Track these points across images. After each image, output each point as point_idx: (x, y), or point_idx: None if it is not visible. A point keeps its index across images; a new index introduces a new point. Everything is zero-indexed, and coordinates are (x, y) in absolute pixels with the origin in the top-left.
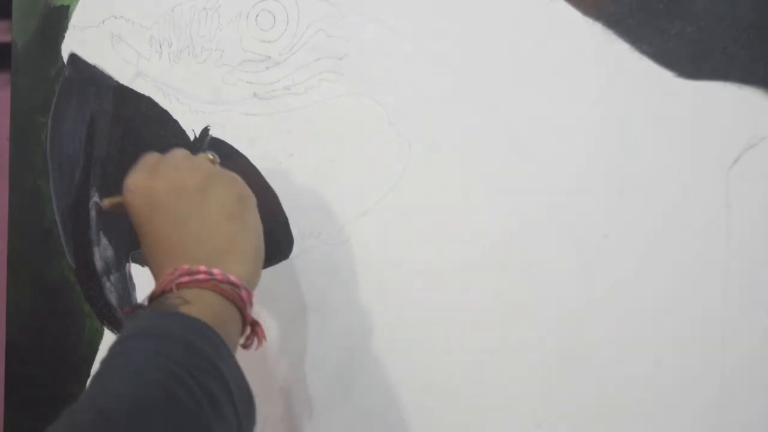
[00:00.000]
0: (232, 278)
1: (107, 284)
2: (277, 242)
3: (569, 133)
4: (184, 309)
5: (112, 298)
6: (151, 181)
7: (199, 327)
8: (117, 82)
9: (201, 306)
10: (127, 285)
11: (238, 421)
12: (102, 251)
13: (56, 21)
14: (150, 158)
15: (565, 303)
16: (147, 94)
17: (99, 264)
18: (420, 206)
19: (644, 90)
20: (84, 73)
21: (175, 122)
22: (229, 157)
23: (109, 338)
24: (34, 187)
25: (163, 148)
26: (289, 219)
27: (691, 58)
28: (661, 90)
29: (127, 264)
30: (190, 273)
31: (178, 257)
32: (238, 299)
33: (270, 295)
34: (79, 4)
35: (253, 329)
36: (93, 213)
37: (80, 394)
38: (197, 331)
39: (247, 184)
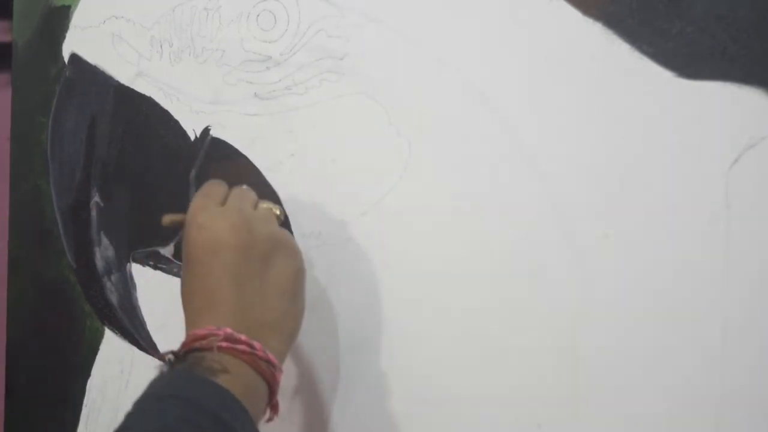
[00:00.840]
0: (271, 357)
1: (108, 284)
2: None
3: (569, 132)
4: (221, 378)
5: (113, 298)
6: (219, 226)
7: (231, 401)
8: (118, 82)
9: (237, 378)
10: (127, 285)
11: None
12: (103, 251)
13: (57, 21)
14: (216, 191)
15: (565, 303)
16: (148, 94)
17: (100, 264)
18: (420, 206)
19: (644, 90)
20: (85, 73)
21: (176, 122)
22: (229, 157)
23: (109, 338)
24: (35, 187)
25: (164, 148)
26: (289, 219)
27: (691, 58)
28: (661, 90)
29: (128, 264)
30: (231, 339)
31: (223, 316)
32: (271, 378)
33: None
34: (80, 4)
35: (273, 406)
36: (93, 213)
37: (79, 397)
38: (229, 405)
39: (246, 184)
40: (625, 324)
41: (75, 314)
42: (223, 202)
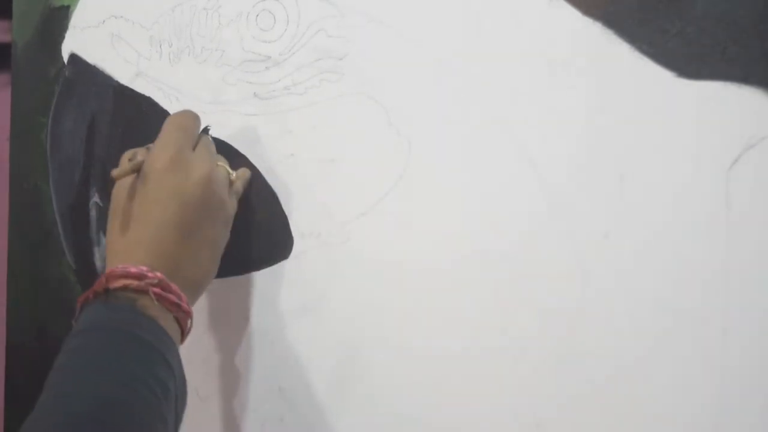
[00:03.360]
0: (191, 312)
1: None
2: (277, 242)
3: (569, 132)
4: (159, 321)
5: None
6: (190, 174)
7: (168, 340)
8: (117, 82)
9: (165, 323)
10: None
11: (176, 403)
12: (102, 251)
13: (56, 21)
14: (191, 126)
15: (565, 303)
16: (147, 94)
17: (99, 264)
18: (420, 206)
19: (644, 90)
20: (84, 73)
21: None
22: (229, 157)
23: None
24: (34, 187)
25: None
26: (288, 219)
27: (691, 58)
28: (661, 90)
29: None
30: (164, 287)
31: (160, 259)
32: (185, 331)
33: (270, 295)
34: (80, 4)
35: None
36: (93, 213)
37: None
38: (167, 344)
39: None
40: (625, 324)
41: (75, 314)
42: (194, 145)
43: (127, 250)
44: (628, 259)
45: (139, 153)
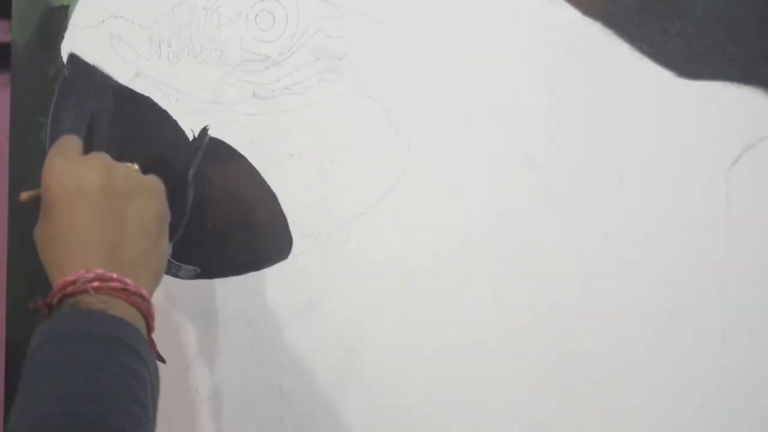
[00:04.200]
0: (144, 292)
1: None
2: (277, 242)
3: (569, 132)
4: (107, 311)
5: None
6: (79, 172)
7: (120, 323)
8: (116, 82)
9: (117, 310)
10: None
11: (152, 388)
12: None
13: (56, 21)
14: (71, 144)
15: (564, 303)
16: (146, 94)
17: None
18: (419, 206)
19: (644, 90)
20: (83, 73)
21: (175, 122)
22: (228, 157)
23: None
24: (34, 187)
25: (163, 148)
26: (288, 219)
27: (691, 58)
28: (661, 90)
29: None
30: (102, 278)
31: (90, 257)
32: (147, 313)
33: (270, 295)
34: (79, 4)
35: (151, 341)
36: None
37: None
38: (120, 327)
39: (245, 184)
40: (625, 324)
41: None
42: (80, 154)
43: (59, 266)
44: (628, 259)
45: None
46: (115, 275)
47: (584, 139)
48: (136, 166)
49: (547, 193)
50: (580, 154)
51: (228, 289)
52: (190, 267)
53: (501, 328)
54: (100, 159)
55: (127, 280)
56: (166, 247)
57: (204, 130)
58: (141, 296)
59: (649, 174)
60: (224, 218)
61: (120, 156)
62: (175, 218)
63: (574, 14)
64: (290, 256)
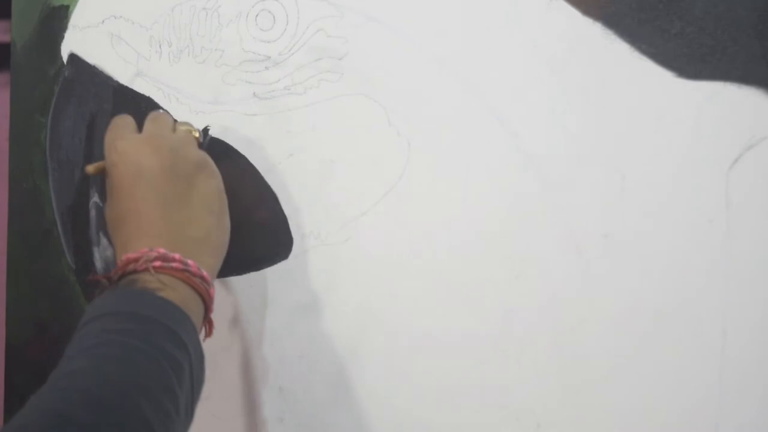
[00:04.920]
0: (205, 274)
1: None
2: (277, 242)
3: (569, 132)
4: (161, 293)
5: None
6: (142, 151)
7: (172, 309)
8: (117, 82)
9: (174, 292)
10: None
11: (192, 380)
12: (102, 251)
13: (56, 21)
14: (127, 121)
15: (565, 303)
16: (147, 94)
17: (99, 264)
18: (420, 206)
19: (644, 90)
20: (84, 73)
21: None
22: (228, 157)
23: None
24: (34, 187)
25: None
26: (288, 219)
27: (691, 58)
28: (661, 90)
29: None
30: (165, 258)
31: (154, 237)
32: (206, 294)
33: (270, 295)
34: (79, 4)
35: (209, 322)
36: (93, 213)
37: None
38: (170, 313)
39: (246, 184)
40: (625, 324)
41: (75, 314)
42: (139, 130)
43: (125, 246)
44: (628, 259)
45: (98, 166)
46: (177, 255)
47: (584, 139)
48: (197, 133)
49: (547, 193)
50: (580, 154)
51: (228, 289)
52: None
53: (501, 328)
54: (162, 137)
55: (189, 261)
56: (228, 224)
57: (204, 130)
58: (202, 278)
59: (649, 174)
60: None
61: None
62: None
63: (574, 14)
64: (290, 256)
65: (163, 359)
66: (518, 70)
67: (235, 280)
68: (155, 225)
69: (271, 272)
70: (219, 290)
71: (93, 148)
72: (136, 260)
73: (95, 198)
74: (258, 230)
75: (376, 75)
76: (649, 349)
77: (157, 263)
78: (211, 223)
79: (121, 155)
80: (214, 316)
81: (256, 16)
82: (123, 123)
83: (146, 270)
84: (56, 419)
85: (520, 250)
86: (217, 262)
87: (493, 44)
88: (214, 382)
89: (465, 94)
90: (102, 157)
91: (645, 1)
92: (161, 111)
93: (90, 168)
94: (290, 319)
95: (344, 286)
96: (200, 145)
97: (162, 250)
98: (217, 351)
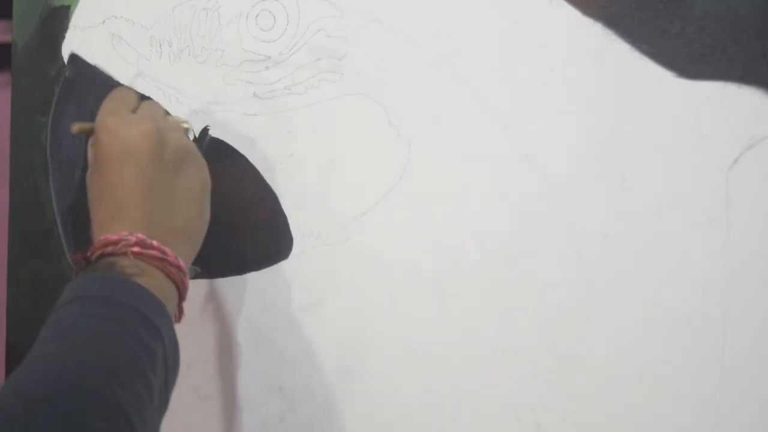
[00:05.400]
0: (181, 264)
1: None
2: (277, 242)
3: (569, 132)
4: (136, 279)
5: None
6: (132, 131)
7: (147, 296)
8: (117, 82)
9: (150, 280)
10: None
11: (165, 368)
12: None
13: (56, 21)
14: (128, 97)
15: (565, 303)
16: (147, 94)
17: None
18: (420, 206)
19: (644, 90)
20: (84, 73)
21: None
22: (228, 157)
23: None
24: (34, 187)
25: None
26: (288, 219)
27: (691, 58)
28: (661, 90)
29: None
30: (143, 245)
31: (134, 221)
32: (181, 284)
33: (270, 295)
34: (80, 4)
35: (180, 309)
36: None
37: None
38: (146, 300)
39: (246, 184)
40: (625, 324)
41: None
42: (134, 110)
43: (104, 224)
44: (628, 259)
45: (83, 126)
46: (155, 243)
47: (584, 139)
48: (186, 124)
49: (548, 193)
50: (580, 154)
51: (228, 289)
52: (191, 266)
53: (501, 328)
54: (154, 121)
55: (167, 250)
56: (208, 216)
57: (204, 130)
58: (178, 267)
59: (649, 174)
60: (225, 218)
61: None
62: None
63: (574, 14)
64: (290, 256)
65: (138, 346)
66: (518, 70)
67: (236, 280)
68: (136, 209)
69: (271, 272)
70: (220, 290)
71: None
72: (116, 243)
73: None
74: (258, 230)
75: (376, 75)
76: (649, 349)
77: (136, 248)
78: (192, 214)
79: (113, 133)
80: (215, 315)
81: (257, 16)
82: (121, 97)
83: (124, 254)
84: (32, 404)
85: (520, 250)
86: (194, 253)
87: (494, 44)
88: (215, 382)
89: (465, 94)
90: None
91: (645, 1)
92: (154, 100)
93: (75, 127)
94: (290, 319)
95: (344, 286)
96: (199, 145)
97: (141, 236)
98: (217, 351)
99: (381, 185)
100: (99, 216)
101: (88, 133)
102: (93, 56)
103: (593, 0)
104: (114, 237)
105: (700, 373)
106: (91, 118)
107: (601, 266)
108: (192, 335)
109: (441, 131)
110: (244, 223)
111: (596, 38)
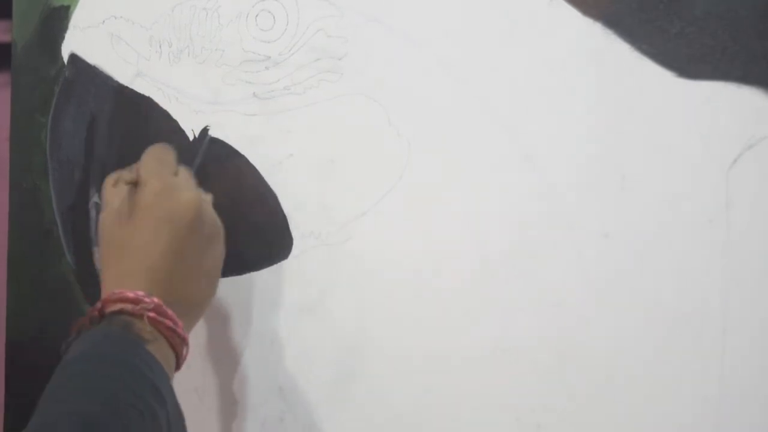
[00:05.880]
0: (186, 337)
1: None
2: (277, 242)
3: (569, 132)
4: (150, 346)
5: None
6: (175, 200)
7: (160, 371)
8: (117, 82)
9: (159, 351)
10: None
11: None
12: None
13: (56, 21)
14: (169, 159)
15: (565, 303)
16: (147, 94)
17: (99, 264)
18: (420, 206)
19: (644, 90)
20: (84, 73)
21: (175, 122)
22: (228, 158)
23: None
24: (34, 187)
25: None
26: (288, 219)
27: (691, 58)
28: (661, 90)
29: None
30: (159, 312)
31: (155, 283)
32: (181, 357)
33: (270, 295)
34: (79, 4)
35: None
36: (93, 213)
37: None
38: (159, 374)
39: (246, 184)
40: (625, 324)
41: (75, 314)
42: (175, 173)
43: (122, 277)
44: (628, 259)
45: (124, 175)
46: (170, 312)
47: (584, 139)
48: (210, 197)
49: (547, 193)
50: (580, 155)
51: (228, 289)
52: None
53: (501, 328)
54: (197, 192)
55: (179, 322)
56: (216, 283)
57: (204, 130)
58: (183, 340)
59: (649, 174)
60: (224, 218)
61: (121, 157)
62: None
63: (574, 14)
64: (290, 256)
65: (146, 413)
66: (518, 70)
67: (235, 280)
68: (160, 272)
69: (271, 272)
70: (220, 290)
71: (93, 148)
72: (134, 302)
73: (95, 198)
74: (258, 230)
75: (376, 75)
76: (649, 349)
77: (152, 314)
78: (208, 290)
79: (158, 194)
80: (215, 315)
81: (256, 16)
82: (164, 159)
83: (141, 317)
84: None
85: (519, 250)
86: (193, 326)
87: (494, 44)
88: (215, 382)
89: (465, 93)
90: (101, 158)
91: (645, 1)
92: (186, 168)
93: (113, 177)
94: (290, 319)
95: (344, 286)
96: (198, 146)
97: (158, 301)
98: (217, 351)
99: (381, 185)
100: (117, 266)
101: (128, 183)
102: (93, 56)
103: (593, 0)
104: (131, 295)
105: (700, 373)
106: (91, 118)
107: (601, 266)
108: (192, 335)
109: (441, 131)
110: (244, 223)
111: (596, 38)
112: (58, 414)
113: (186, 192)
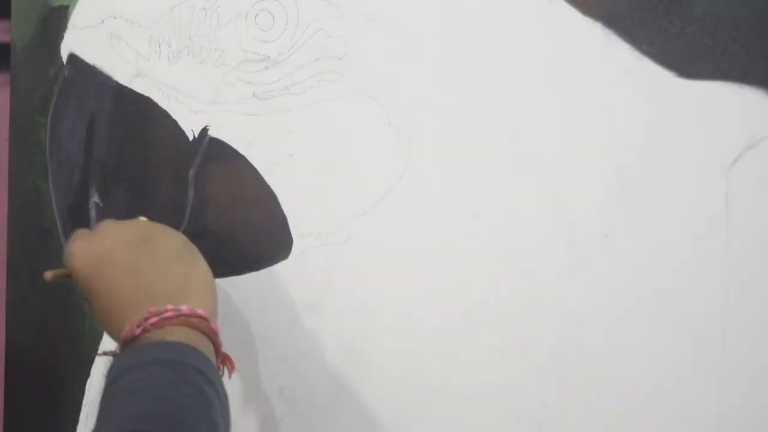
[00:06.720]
0: (200, 312)
1: None
2: (277, 242)
3: (569, 132)
4: (171, 338)
5: None
6: (93, 242)
7: (181, 347)
8: (116, 82)
9: (178, 337)
10: None
11: (223, 416)
12: None
13: (55, 21)
14: (81, 230)
15: (565, 303)
16: (146, 94)
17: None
18: (420, 206)
19: (644, 90)
20: (83, 73)
21: (175, 122)
22: (228, 157)
23: (108, 338)
24: (34, 187)
25: (162, 148)
26: (288, 219)
27: (691, 58)
28: (661, 90)
29: None
30: (157, 313)
31: (139, 304)
32: (208, 330)
33: (270, 295)
34: (79, 4)
35: (224, 361)
36: (93, 213)
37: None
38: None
39: (246, 184)
40: (626, 324)
41: (75, 314)
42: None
43: (117, 326)
44: (628, 259)
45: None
46: (168, 306)
47: (584, 139)
48: (143, 218)
49: (547, 193)
50: (579, 154)
51: (228, 289)
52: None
53: (501, 329)
54: (108, 225)
55: (182, 307)
56: (205, 267)
57: (204, 130)
58: (197, 316)
59: (649, 174)
60: (224, 218)
61: (120, 157)
62: (175, 218)
63: (574, 14)
64: (290, 256)
65: (197, 395)
66: (518, 70)
67: (235, 280)
68: (134, 294)
69: (271, 272)
70: (220, 290)
71: (93, 147)
72: (130, 330)
73: (95, 198)
74: (258, 230)
75: (376, 75)
76: (649, 349)
77: (153, 320)
78: (184, 271)
79: (76, 255)
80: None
81: (256, 15)
82: (74, 234)
83: (145, 331)
84: None
85: (519, 250)
86: (211, 302)
87: (493, 44)
88: None
89: (465, 93)
90: (101, 158)
91: (645, 1)
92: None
93: (48, 275)
94: (290, 319)
95: (344, 286)
96: (198, 146)
97: (152, 309)
98: None
99: (381, 185)
100: (110, 323)
101: (63, 278)
102: (92, 56)
103: (593, 0)
104: (128, 328)
105: (700, 372)
106: (91, 118)
107: (600, 266)
108: None
109: (441, 131)
110: (243, 223)
111: (596, 38)
112: (117, 418)
113: (96, 235)
